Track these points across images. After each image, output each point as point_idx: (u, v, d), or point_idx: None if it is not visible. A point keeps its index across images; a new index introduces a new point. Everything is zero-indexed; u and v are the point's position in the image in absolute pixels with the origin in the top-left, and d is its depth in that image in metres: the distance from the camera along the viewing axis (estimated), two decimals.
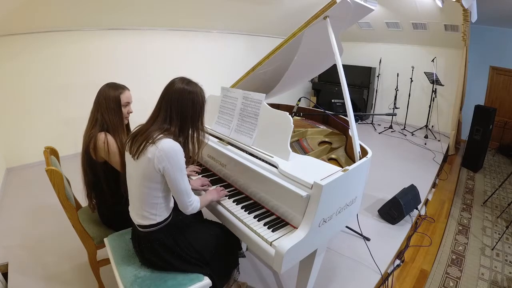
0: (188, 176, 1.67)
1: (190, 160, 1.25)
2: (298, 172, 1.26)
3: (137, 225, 1.25)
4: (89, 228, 1.57)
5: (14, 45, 3.10)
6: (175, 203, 1.33)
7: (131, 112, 1.62)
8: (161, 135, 1.14)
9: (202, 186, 1.55)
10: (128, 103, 1.58)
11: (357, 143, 1.48)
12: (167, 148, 1.11)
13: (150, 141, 1.12)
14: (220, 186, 1.58)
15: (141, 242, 1.27)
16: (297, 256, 1.21)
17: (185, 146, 1.21)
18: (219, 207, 1.44)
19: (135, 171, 1.19)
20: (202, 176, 1.69)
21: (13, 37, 3.07)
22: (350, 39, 6.28)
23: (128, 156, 1.21)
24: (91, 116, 1.52)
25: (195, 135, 1.26)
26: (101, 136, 1.44)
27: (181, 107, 1.19)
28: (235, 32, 5.20)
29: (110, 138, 1.46)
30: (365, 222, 2.53)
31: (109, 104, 1.48)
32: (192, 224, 1.39)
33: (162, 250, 1.24)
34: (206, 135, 1.35)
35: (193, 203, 1.23)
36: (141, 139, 1.15)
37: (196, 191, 1.52)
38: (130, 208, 1.30)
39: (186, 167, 1.19)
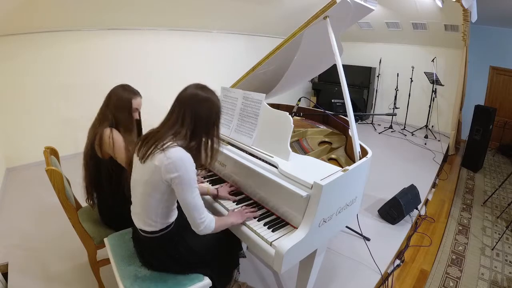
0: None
1: (201, 168, 1.18)
2: (298, 172, 1.26)
3: (139, 229, 1.22)
4: (89, 228, 1.57)
5: (14, 45, 3.10)
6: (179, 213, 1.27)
7: (137, 119, 1.64)
8: (171, 142, 1.08)
9: (229, 193, 1.48)
10: (137, 109, 1.60)
11: (357, 143, 1.48)
12: (176, 157, 1.05)
13: (159, 147, 1.07)
14: (245, 205, 1.42)
15: (141, 244, 1.27)
16: (297, 256, 1.21)
17: (197, 153, 1.14)
18: (219, 207, 1.44)
19: (140, 176, 1.15)
20: (207, 181, 1.62)
21: (13, 37, 3.07)
22: (350, 39, 6.28)
23: (135, 158, 1.17)
24: (100, 114, 1.53)
25: (209, 142, 1.18)
26: (107, 131, 1.46)
27: (196, 110, 1.12)
28: (235, 32, 5.19)
29: (116, 133, 1.48)
30: (365, 222, 2.53)
31: (120, 104, 1.51)
32: None
33: (163, 255, 1.23)
34: (222, 144, 1.25)
35: (205, 221, 1.12)
36: (150, 142, 1.10)
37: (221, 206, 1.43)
38: (132, 210, 1.27)
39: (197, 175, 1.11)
